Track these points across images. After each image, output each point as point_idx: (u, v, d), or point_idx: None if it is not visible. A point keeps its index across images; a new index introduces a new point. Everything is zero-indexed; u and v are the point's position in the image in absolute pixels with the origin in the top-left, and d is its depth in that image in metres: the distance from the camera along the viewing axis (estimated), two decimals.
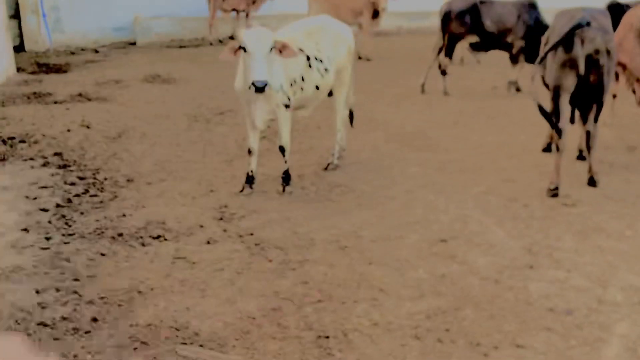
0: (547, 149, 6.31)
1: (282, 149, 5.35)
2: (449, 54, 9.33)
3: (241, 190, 5.32)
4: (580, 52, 4.90)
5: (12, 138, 6.94)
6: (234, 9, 15.30)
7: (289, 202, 5.14)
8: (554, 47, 5.04)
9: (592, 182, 5.36)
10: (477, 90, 9.69)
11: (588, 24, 4.91)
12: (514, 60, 9.21)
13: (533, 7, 9.02)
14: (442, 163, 6.11)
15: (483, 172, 5.82)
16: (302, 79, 5.27)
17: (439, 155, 6.38)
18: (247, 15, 15.28)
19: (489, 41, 9.14)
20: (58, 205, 5.04)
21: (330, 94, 5.90)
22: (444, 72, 9.38)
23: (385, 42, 15.24)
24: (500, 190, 5.34)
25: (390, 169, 5.95)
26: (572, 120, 5.32)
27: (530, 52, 8.98)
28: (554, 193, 5.13)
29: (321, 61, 5.43)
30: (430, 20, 16.29)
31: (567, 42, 4.95)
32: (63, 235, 4.49)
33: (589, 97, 5.16)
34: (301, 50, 5.25)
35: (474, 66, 11.64)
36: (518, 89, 9.52)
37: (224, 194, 5.33)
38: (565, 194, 5.16)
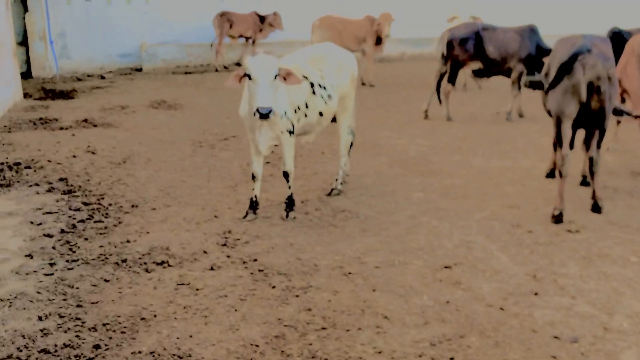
0: (551, 174, 6.32)
1: (286, 175, 5.37)
2: (452, 80, 9.41)
3: (245, 216, 5.33)
4: (581, 79, 4.93)
5: (18, 164, 6.99)
6: (241, 36, 15.51)
7: (293, 227, 5.14)
8: (559, 78, 5.02)
9: (596, 208, 5.35)
10: (479, 116, 9.74)
11: (589, 50, 4.95)
12: (517, 86, 9.28)
13: (534, 32, 9.11)
14: (445, 188, 6.12)
15: (487, 198, 5.82)
16: (306, 106, 5.32)
17: (442, 180, 6.39)
18: (253, 42, 15.49)
19: (491, 67, 9.22)
20: (62, 231, 5.05)
21: (334, 119, 5.94)
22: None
23: (389, 68, 15.38)
24: (504, 216, 5.34)
25: (394, 194, 5.95)
26: (571, 146, 5.33)
27: (532, 77, 9.05)
28: (558, 219, 5.12)
29: (325, 88, 5.48)
30: (433, 47, 16.45)
31: (568, 68, 4.98)
32: (67, 261, 4.49)
33: (591, 123, 5.18)
34: (305, 77, 5.31)
35: (476, 92, 11.71)
36: (521, 115, 9.58)
37: (227, 219, 5.34)
38: (570, 220, 5.15)
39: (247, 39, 15.59)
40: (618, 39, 7.60)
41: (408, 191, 6.05)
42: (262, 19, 15.49)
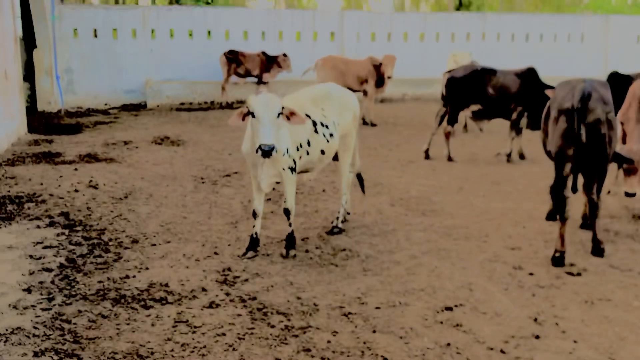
0: (551, 216, 6.31)
1: (287, 212, 5.37)
2: (452, 121, 9.48)
3: (245, 253, 5.32)
4: (580, 123, 4.96)
5: (20, 197, 7.01)
6: (248, 75, 15.74)
7: (293, 266, 5.11)
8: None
9: (597, 251, 5.33)
10: (480, 157, 9.79)
11: (589, 94, 5.00)
12: (516, 127, 9.33)
13: (533, 74, 9.21)
14: (447, 229, 6.11)
15: (488, 239, 5.80)
16: (308, 144, 5.36)
17: (443, 220, 6.38)
18: (260, 81, 15.72)
19: (491, 109, 9.29)
20: (62, 266, 5.03)
21: (336, 158, 5.98)
22: (447, 135, 9.49)
23: (391, 109, 15.53)
24: (506, 257, 5.32)
25: (395, 234, 5.94)
26: (574, 189, 5.33)
27: (532, 119, 9.14)
28: (558, 261, 5.09)
29: (327, 126, 5.53)
30: (434, 88, 16.68)
31: (567, 113, 5.02)
32: (65, 296, 4.46)
33: (591, 166, 5.20)
34: (308, 115, 5.36)
35: (477, 133, 11.79)
36: (522, 156, 9.61)
37: (227, 256, 5.32)
38: (571, 263, 5.13)
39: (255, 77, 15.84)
40: (618, 83, 7.70)
41: (409, 231, 6.04)
42: (270, 59, 15.74)
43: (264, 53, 15.82)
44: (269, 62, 15.74)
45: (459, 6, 27.46)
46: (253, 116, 4.80)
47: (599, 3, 34.02)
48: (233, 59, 15.53)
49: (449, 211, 6.73)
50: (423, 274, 4.95)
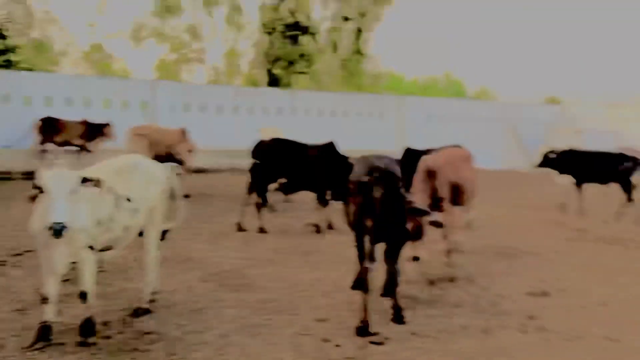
0: (356, 286, 6.55)
1: (83, 295, 4.91)
2: (261, 193, 9.61)
3: (31, 345, 4.71)
4: (372, 196, 5.30)
5: None
6: (68, 144, 14.74)
7: (90, 355, 4.64)
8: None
9: (397, 318, 5.59)
10: (292, 228, 10.00)
11: (381, 169, 5.37)
12: (322, 200, 9.72)
13: (332, 148, 9.74)
14: (258, 303, 6.04)
15: (299, 312, 5.83)
16: (110, 220, 5.02)
17: (255, 294, 6.31)
18: (84, 150, 14.85)
19: (296, 181, 9.60)
20: None
21: (141, 234, 5.67)
22: (258, 207, 9.60)
23: (205, 179, 15.43)
24: (315, 330, 5.36)
25: (206, 312, 5.73)
26: (372, 259, 5.61)
27: (335, 191, 9.59)
28: (362, 331, 5.22)
29: (131, 201, 5.24)
30: (248, 159, 16.94)
31: (363, 186, 5.34)
32: None
33: (387, 236, 5.53)
34: (110, 189, 5.04)
35: (286, 205, 12.10)
36: (331, 227, 9.96)
37: (12, 349, 4.68)
38: (375, 332, 5.30)
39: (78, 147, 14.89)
40: (411, 158, 8.45)
41: (221, 307, 5.87)
42: (94, 127, 14.98)
43: (86, 122, 15.00)
44: (92, 131, 14.97)
45: (270, 82, 28.69)
46: (42, 191, 4.38)
47: (394, 84, 37.81)
48: (49, 126, 14.47)
49: (260, 284, 6.69)
50: (233, 353, 4.79)
